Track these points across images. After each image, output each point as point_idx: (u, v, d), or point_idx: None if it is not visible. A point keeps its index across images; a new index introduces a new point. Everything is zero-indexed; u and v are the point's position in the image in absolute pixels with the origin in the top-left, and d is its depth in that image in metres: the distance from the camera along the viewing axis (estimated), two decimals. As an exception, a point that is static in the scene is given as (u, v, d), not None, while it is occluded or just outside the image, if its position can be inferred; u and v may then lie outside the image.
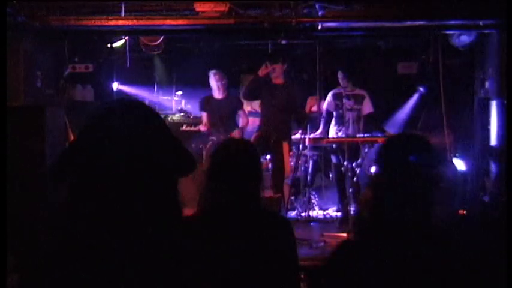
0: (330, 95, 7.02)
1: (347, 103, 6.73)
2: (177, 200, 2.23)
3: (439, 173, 2.18)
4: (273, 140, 6.64)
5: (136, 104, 2.07)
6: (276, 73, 6.76)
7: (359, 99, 6.87)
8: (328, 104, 6.98)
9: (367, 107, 6.89)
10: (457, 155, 6.94)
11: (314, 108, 7.02)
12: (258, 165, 2.43)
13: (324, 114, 7.01)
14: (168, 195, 2.15)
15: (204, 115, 7.17)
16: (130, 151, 1.92)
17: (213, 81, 7.05)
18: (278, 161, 6.68)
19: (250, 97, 7.27)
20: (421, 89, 7.71)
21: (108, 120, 1.96)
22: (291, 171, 6.75)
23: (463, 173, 6.73)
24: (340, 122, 6.82)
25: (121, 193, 1.99)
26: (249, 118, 7.46)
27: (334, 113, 6.93)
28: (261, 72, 6.76)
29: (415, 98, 7.89)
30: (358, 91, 6.91)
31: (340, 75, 6.84)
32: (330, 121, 7.02)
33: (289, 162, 6.78)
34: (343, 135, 6.70)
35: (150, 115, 2.08)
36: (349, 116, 6.80)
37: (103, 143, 1.92)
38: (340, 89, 6.87)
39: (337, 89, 6.97)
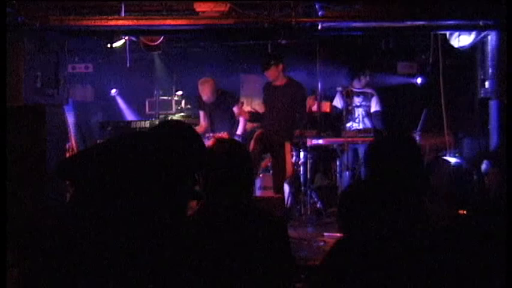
0: (339, 92, 7.12)
1: (356, 99, 6.91)
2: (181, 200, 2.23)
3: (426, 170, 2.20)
4: (275, 141, 6.65)
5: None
6: (270, 77, 6.76)
7: (368, 97, 7.04)
8: (336, 102, 7.11)
9: (375, 105, 7.07)
10: (456, 155, 6.93)
11: (314, 108, 7.04)
12: (248, 165, 2.43)
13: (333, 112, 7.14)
14: (170, 199, 2.15)
15: (201, 113, 7.23)
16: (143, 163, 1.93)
17: (204, 90, 7.04)
18: (280, 161, 6.68)
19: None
20: (420, 79, 7.72)
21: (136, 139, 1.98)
22: (293, 171, 6.75)
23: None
24: (351, 118, 6.96)
25: (126, 195, 1.99)
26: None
27: (344, 111, 7.02)
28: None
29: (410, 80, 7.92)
30: (367, 89, 7.08)
31: (359, 73, 6.97)
32: (338, 120, 7.11)
33: (291, 162, 6.77)
34: (355, 132, 6.87)
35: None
36: (358, 112, 6.98)
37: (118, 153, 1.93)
38: (349, 87, 7.04)
39: (346, 87, 7.11)
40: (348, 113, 7.03)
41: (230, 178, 2.33)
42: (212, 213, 2.30)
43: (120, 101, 8.60)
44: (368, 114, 7.14)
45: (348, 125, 7.07)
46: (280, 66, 6.73)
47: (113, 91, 8.46)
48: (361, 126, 7.02)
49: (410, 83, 7.88)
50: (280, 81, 6.78)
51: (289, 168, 6.72)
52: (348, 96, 7.03)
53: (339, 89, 7.14)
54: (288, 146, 6.71)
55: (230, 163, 2.36)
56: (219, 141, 2.78)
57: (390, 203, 1.87)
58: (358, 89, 7.09)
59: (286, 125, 6.75)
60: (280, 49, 7.59)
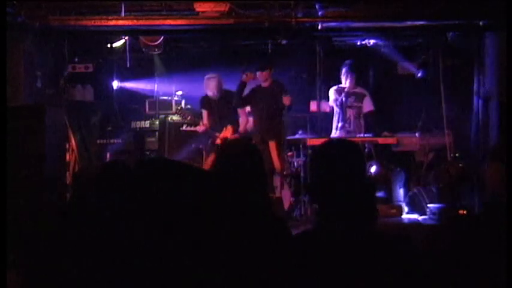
0: (332, 91, 7.11)
1: (348, 100, 6.87)
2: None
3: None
4: (256, 141, 6.65)
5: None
6: (262, 78, 6.84)
7: (360, 97, 7.01)
8: (331, 100, 7.12)
9: (367, 105, 7.03)
10: (456, 155, 6.93)
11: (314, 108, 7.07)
12: (261, 165, 2.42)
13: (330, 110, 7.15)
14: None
15: (205, 113, 7.23)
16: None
17: (209, 86, 7.10)
18: (266, 161, 6.66)
19: (242, 105, 7.23)
20: (420, 72, 7.70)
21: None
22: (282, 168, 6.76)
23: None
24: (342, 119, 6.94)
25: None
26: (249, 118, 7.47)
27: (336, 110, 7.02)
28: (245, 79, 6.85)
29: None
30: (359, 89, 7.05)
31: (346, 73, 6.95)
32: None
33: (279, 159, 6.75)
34: (345, 133, 6.82)
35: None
36: (350, 113, 6.97)
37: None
38: (341, 86, 7.01)
39: (338, 86, 7.09)
40: (339, 113, 7.04)
41: (244, 177, 2.32)
42: (222, 214, 2.30)
43: (129, 85, 8.54)
44: (359, 115, 7.10)
45: (339, 125, 7.06)
46: (272, 70, 6.84)
47: (115, 83, 8.42)
48: (351, 128, 6.99)
49: (410, 73, 7.86)
50: (268, 83, 6.85)
51: (277, 164, 6.73)
52: (340, 95, 7.04)
53: (334, 88, 7.16)
54: (272, 144, 6.72)
55: (244, 162, 2.35)
56: (234, 140, 2.77)
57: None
58: (350, 89, 7.07)
59: (272, 124, 6.77)
60: (280, 49, 7.60)
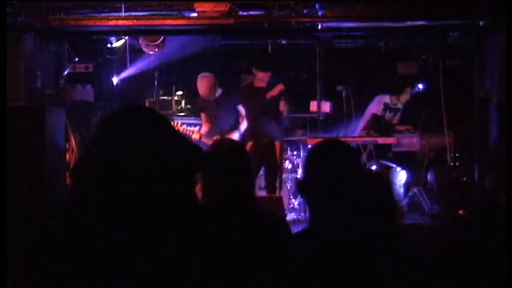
0: (379, 100, 7.27)
1: (388, 114, 7.11)
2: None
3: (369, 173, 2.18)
4: (265, 141, 6.56)
5: (142, 109, 2.06)
6: (262, 78, 6.60)
7: (396, 112, 7.30)
8: (377, 109, 7.26)
9: (397, 118, 7.27)
10: (457, 155, 6.94)
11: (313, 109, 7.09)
12: (248, 165, 2.43)
13: (368, 117, 7.32)
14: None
15: (203, 116, 7.07)
16: (139, 152, 1.92)
17: (202, 85, 6.87)
18: (271, 161, 6.60)
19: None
20: (420, 85, 7.73)
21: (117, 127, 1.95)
22: (284, 170, 6.75)
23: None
24: (371, 127, 7.13)
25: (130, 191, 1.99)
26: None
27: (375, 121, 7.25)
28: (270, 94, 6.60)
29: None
30: (399, 105, 7.31)
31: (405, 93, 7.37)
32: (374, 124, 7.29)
33: (282, 161, 6.73)
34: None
35: (156, 119, 2.08)
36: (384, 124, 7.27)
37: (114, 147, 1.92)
38: (387, 99, 7.22)
39: (385, 97, 7.30)
40: (373, 121, 7.26)
41: (230, 177, 2.33)
42: (214, 214, 2.30)
43: (128, 84, 8.50)
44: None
45: (366, 131, 7.25)
46: (270, 74, 6.59)
47: (115, 79, 8.40)
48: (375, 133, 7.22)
49: (410, 73, 7.95)
50: (263, 84, 6.64)
51: (280, 167, 6.70)
52: (384, 109, 7.27)
53: (382, 99, 7.33)
54: (277, 144, 6.64)
55: (230, 163, 2.36)
56: (220, 141, 2.79)
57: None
58: (397, 104, 7.32)
59: (274, 124, 6.63)
60: (280, 49, 7.60)
